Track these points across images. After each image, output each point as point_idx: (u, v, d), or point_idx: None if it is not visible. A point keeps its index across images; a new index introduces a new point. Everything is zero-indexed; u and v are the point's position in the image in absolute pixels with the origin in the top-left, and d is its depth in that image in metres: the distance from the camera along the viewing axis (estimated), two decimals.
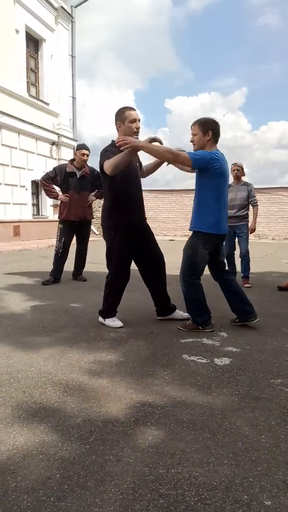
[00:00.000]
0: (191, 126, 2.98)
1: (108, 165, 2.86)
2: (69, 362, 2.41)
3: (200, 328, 3.04)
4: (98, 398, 1.95)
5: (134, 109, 3.06)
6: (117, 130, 3.06)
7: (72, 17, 14.32)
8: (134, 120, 3.00)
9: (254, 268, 5.64)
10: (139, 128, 3.03)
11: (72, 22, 14.38)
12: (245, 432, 1.66)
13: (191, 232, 3.04)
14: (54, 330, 3.05)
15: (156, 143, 3.00)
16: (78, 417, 1.76)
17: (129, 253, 3.14)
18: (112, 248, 3.12)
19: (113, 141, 3.08)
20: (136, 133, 3.02)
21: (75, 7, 14.45)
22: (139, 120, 3.04)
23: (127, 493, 1.29)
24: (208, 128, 2.90)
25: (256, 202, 5.28)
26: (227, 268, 3.23)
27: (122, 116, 3.01)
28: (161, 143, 3.03)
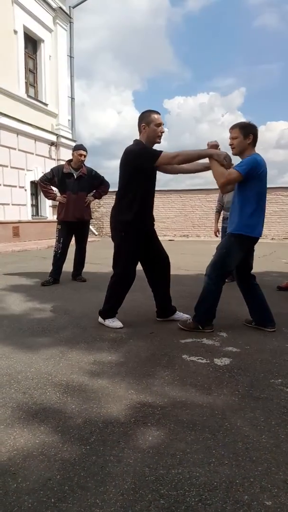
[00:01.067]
0: (230, 130, 2.98)
1: (179, 157, 2.86)
2: (69, 362, 2.41)
3: (200, 328, 3.04)
4: (98, 399, 1.95)
5: (159, 113, 3.06)
6: (140, 131, 3.04)
7: (70, 17, 14.31)
8: (160, 124, 3.00)
9: (253, 267, 5.63)
10: (163, 132, 3.03)
11: (70, 22, 14.37)
12: (246, 432, 1.66)
13: (228, 233, 3.05)
14: (53, 331, 3.04)
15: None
16: (79, 418, 1.76)
17: (138, 255, 3.15)
18: (121, 249, 3.12)
19: (136, 140, 3.06)
20: (159, 137, 3.03)
21: (73, 7, 14.45)
22: (163, 125, 3.04)
23: (128, 493, 1.29)
24: (249, 132, 2.91)
25: None
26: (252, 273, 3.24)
27: (148, 119, 2.99)
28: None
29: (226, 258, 2.99)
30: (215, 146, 3.03)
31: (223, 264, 3.00)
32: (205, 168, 3.11)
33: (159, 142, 3.06)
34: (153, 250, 3.22)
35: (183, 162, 2.95)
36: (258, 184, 2.89)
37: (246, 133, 2.90)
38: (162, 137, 3.06)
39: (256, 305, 3.16)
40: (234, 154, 2.99)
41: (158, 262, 3.25)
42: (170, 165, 3.03)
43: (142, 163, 2.94)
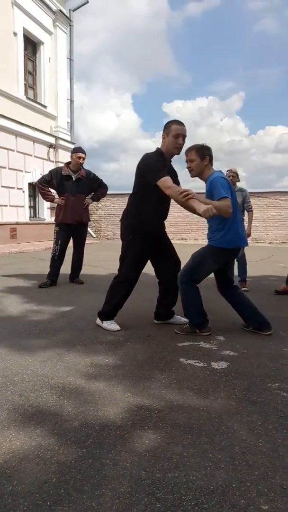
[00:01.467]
0: (186, 153, 3.00)
1: (169, 191, 2.82)
2: (66, 365, 2.40)
3: (198, 331, 3.04)
4: (95, 402, 1.94)
5: (183, 124, 2.99)
6: (162, 140, 3.02)
7: (70, 20, 14.36)
8: (178, 136, 2.93)
9: (251, 271, 5.65)
10: (181, 145, 2.97)
11: (70, 25, 14.41)
12: (242, 436, 1.66)
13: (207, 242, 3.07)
14: (51, 333, 3.04)
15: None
16: (75, 421, 1.76)
17: (144, 259, 3.15)
18: (128, 250, 3.12)
19: (158, 148, 3.04)
20: (178, 148, 2.98)
21: (73, 10, 14.50)
22: (183, 137, 2.96)
23: (124, 497, 1.28)
24: (205, 154, 2.96)
25: (251, 208, 5.33)
26: (235, 284, 3.24)
27: (169, 129, 2.95)
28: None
29: (199, 267, 3.01)
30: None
31: (193, 271, 3.02)
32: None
33: (177, 153, 3.02)
34: (165, 253, 3.23)
35: (172, 198, 2.91)
36: (232, 199, 2.92)
37: (203, 155, 2.95)
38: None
39: (246, 312, 3.16)
40: (193, 176, 3.03)
41: (169, 264, 3.25)
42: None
43: (147, 176, 2.94)
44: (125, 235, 3.14)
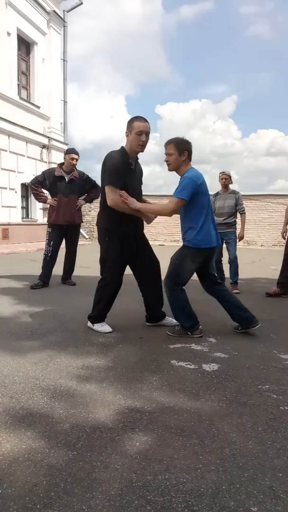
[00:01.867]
0: (166, 145, 2.99)
1: (113, 202, 2.89)
2: (57, 367, 2.40)
3: (189, 333, 3.05)
4: (86, 404, 1.94)
5: (146, 121, 2.94)
6: (126, 138, 2.99)
7: (64, 21, 14.35)
8: (141, 133, 2.89)
9: (242, 274, 5.68)
10: (144, 142, 2.93)
11: (64, 26, 14.41)
12: (233, 438, 1.67)
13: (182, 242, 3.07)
14: (42, 335, 3.02)
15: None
16: (66, 423, 1.75)
17: (124, 259, 3.13)
18: (106, 253, 3.11)
19: (122, 147, 3.02)
20: (141, 146, 2.94)
21: (67, 11, 14.50)
22: (147, 134, 2.92)
23: (114, 499, 1.29)
24: (184, 148, 2.94)
25: (244, 210, 5.36)
26: (219, 280, 3.26)
27: (131, 126, 2.91)
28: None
29: (180, 269, 3.02)
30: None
31: (176, 274, 3.04)
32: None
33: (141, 151, 3.00)
34: (142, 255, 3.22)
35: (118, 208, 2.93)
36: (199, 199, 2.93)
37: (181, 149, 2.94)
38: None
39: (232, 310, 3.17)
40: (170, 170, 3.03)
41: (147, 267, 3.25)
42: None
43: (103, 178, 2.98)
44: (101, 238, 3.13)
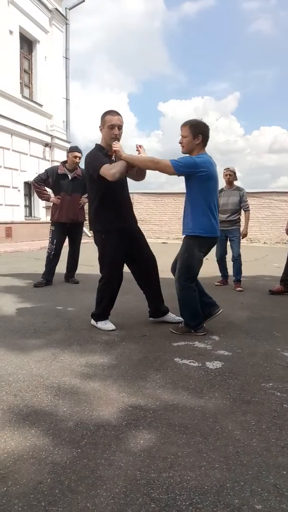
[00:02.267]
0: (181, 127, 2.95)
1: (112, 171, 2.82)
2: (61, 365, 2.40)
3: (193, 331, 3.05)
4: (90, 402, 1.94)
5: (118, 114, 2.98)
6: (101, 133, 3.04)
7: (66, 19, 14.33)
8: (113, 126, 2.92)
9: (245, 272, 5.68)
10: (116, 135, 2.95)
11: (66, 24, 14.39)
12: (237, 436, 1.67)
13: (184, 236, 3.05)
14: (46, 333, 3.03)
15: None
16: (70, 421, 1.76)
17: (122, 256, 3.14)
18: (104, 252, 3.11)
19: (97, 144, 3.07)
20: (113, 139, 2.95)
21: (69, 9, 14.48)
22: (119, 127, 2.95)
23: (119, 497, 1.29)
24: (198, 131, 2.89)
25: (248, 207, 5.32)
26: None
27: (103, 120, 2.97)
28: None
29: (190, 262, 3.01)
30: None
31: (188, 268, 3.02)
32: (139, 172, 3.15)
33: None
34: (137, 251, 3.21)
35: (121, 175, 2.89)
36: (203, 185, 2.89)
37: (196, 132, 2.88)
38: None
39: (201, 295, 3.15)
40: (183, 152, 2.97)
41: (142, 262, 3.25)
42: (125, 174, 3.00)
43: (92, 172, 2.96)
44: (97, 238, 3.15)
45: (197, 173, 2.83)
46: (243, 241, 5.87)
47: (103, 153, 3.00)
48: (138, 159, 2.96)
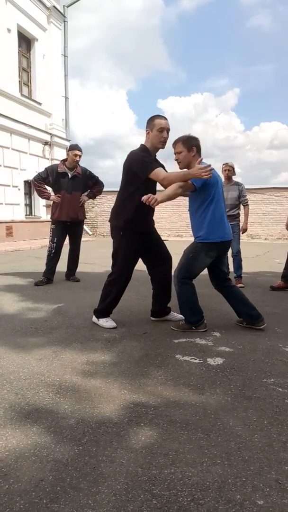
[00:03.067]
0: (173, 145, 3.01)
1: (164, 178, 2.86)
2: (62, 363, 2.40)
3: (194, 328, 3.04)
4: (91, 399, 1.94)
5: (166, 119, 3.02)
6: (146, 136, 3.04)
7: (65, 16, 14.27)
8: (162, 130, 2.96)
9: (247, 268, 5.67)
10: (166, 138, 3.00)
11: (64, 21, 14.33)
12: (238, 432, 1.67)
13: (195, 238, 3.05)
14: (47, 331, 3.03)
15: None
16: (71, 418, 1.76)
17: (136, 255, 3.15)
18: (119, 248, 3.12)
19: (142, 145, 3.06)
20: (162, 142, 3.00)
21: (67, 6, 14.41)
22: (167, 130, 3.00)
23: (120, 494, 1.29)
24: (192, 145, 2.95)
25: (247, 202, 5.31)
26: (228, 277, 3.24)
27: (152, 124, 2.98)
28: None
29: (193, 263, 3.01)
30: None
31: (188, 268, 3.02)
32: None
33: (162, 147, 3.05)
34: (155, 250, 3.23)
35: (169, 185, 2.89)
36: (210, 191, 2.91)
37: (189, 146, 2.95)
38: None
39: (238, 306, 3.16)
40: (181, 168, 3.02)
41: (160, 260, 3.26)
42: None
43: (137, 171, 2.95)
44: (115, 233, 3.14)
45: (209, 181, 2.86)
46: (244, 237, 5.87)
47: (149, 155, 3.00)
48: (170, 194, 2.86)
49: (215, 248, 3.01)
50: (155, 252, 3.24)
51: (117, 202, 3.17)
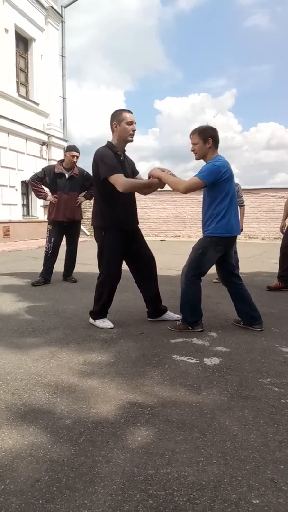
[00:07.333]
0: (190, 136, 3.01)
1: (124, 185, 2.89)
2: (59, 363, 2.40)
3: (191, 328, 3.05)
4: (88, 399, 1.94)
5: (131, 112, 3.07)
6: (112, 130, 3.07)
7: (62, 17, 14.28)
8: (131, 123, 3.01)
9: (244, 268, 5.68)
10: (134, 130, 3.06)
11: (62, 22, 14.34)
12: (234, 432, 1.67)
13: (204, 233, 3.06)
14: (44, 331, 3.03)
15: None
16: (68, 419, 1.76)
17: (121, 253, 3.14)
18: (103, 248, 3.12)
19: (108, 141, 3.09)
20: (131, 135, 3.04)
21: (65, 7, 14.42)
22: (135, 123, 3.06)
23: (116, 494, 1.29)
24: (208, 136, 2.94)
25: (243, 202, 5.32)
26: (236, 271, 3.24)
27: (119, 117, 3.01)
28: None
29: (202, 259, 3.01)
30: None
31: (198, 264, 3.02)
32: (149, 186, 3.13)
33: (131, 141, 3.08)
34: (136, 250, 3.22)
35: (129, 191, 2.98)
36: (224, 186, 2.91)
37: (205, 137, 2.94)
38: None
39: (240, 304, 3.17)
40: (197, 159, 3.03)
41: (142, 262, 3.26)
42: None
43: (100, 172, 2.98)
44: (98, 235, 3.15)
45: (221, 177, 2.87)
46: (241, 238, 5.88)
47: (114, 152, 3.02)
48: (170, 180, 2.97)
49: (223, 242, 3.01)
50: (138, 253, 3.24)
51: (95, 204, 3.18)
